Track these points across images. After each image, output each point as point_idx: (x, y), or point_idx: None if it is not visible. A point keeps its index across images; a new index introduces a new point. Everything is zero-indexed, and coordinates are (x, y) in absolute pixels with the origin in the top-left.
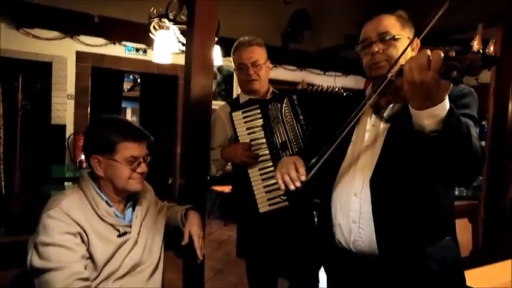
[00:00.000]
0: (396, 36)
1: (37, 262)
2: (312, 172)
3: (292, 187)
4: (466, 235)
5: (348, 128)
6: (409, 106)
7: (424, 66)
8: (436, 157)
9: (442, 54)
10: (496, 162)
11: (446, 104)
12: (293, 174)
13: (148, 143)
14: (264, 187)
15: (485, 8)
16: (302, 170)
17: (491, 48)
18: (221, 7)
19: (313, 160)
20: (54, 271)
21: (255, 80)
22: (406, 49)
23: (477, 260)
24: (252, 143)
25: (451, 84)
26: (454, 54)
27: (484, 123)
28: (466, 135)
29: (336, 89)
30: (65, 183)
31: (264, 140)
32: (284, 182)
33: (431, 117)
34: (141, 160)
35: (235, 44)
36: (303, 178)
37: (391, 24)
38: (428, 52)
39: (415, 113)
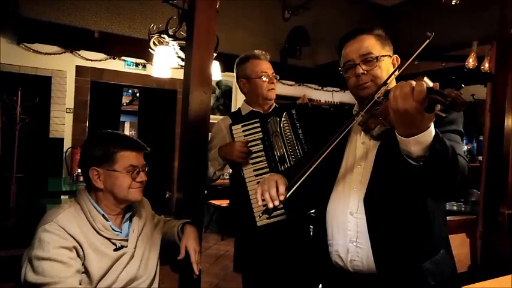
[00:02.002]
0: (379, 57)
1: (31, 277)
2: (290, 192)
3: (270, 205)
4: (464, 250)
5: (331, 146)
6: (396, 133)
7: (408, 95)
8: (424, 181)
9: (425, 86)
10: (493, 177)
11: (431, 130)
12: (273, 192)
13: (145, 154)
14: (263, 200)
15: (479, 26)
16: (282, 189)
17: (486, 65)
18: (220, 23)
19: (294, 179)
20: (48, 286)
21: (273, 89)
22: (394, 72)
23: (476, 275)
24: (251, 156)
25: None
26: (437, 86)
27: (481, 138)
28: (452, 160)
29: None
30: (61, 197)
31: (263, 154)
32: (264, 199)
33: (417, 144)
34: (140, 169)
35: (251, 54)
36: (282, 198)
37: (371, 44)
38: (413, 82)
39: (402, 140)
